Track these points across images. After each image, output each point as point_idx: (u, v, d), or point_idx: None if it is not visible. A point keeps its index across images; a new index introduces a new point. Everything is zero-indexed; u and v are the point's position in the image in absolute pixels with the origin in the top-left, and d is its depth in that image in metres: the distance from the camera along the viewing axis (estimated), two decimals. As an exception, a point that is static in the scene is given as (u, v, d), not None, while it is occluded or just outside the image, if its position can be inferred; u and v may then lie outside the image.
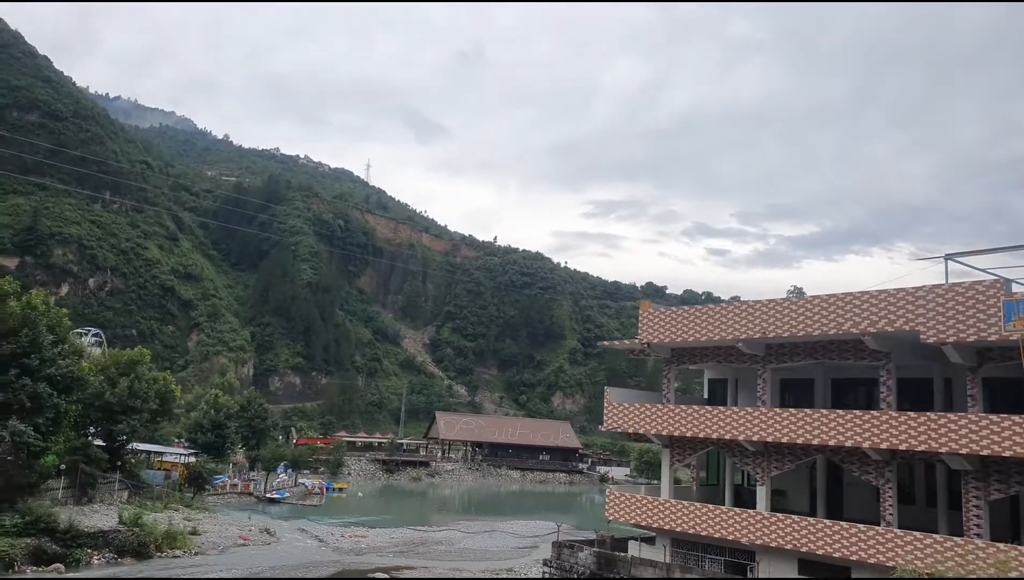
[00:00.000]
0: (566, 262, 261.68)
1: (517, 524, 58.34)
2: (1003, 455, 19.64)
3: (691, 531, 26.48)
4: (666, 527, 27.09)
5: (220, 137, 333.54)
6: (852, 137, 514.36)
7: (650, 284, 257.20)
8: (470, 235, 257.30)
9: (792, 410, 24.18)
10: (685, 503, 26.98)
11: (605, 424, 28.64)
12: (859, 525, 22.61)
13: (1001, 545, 19.86)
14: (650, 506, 27.66)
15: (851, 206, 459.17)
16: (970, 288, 20.47)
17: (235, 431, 68.37)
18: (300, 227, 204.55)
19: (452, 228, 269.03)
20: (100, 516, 39.90)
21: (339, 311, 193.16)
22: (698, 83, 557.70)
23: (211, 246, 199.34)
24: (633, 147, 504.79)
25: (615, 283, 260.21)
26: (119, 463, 49.02)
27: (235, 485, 63.32)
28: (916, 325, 21.30)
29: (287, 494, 64.73)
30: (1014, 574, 18.25)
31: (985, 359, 21.16)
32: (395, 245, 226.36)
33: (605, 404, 28.74)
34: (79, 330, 65.05)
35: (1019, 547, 19.55)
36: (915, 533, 21.33)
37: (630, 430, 28.28)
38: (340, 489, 75.64)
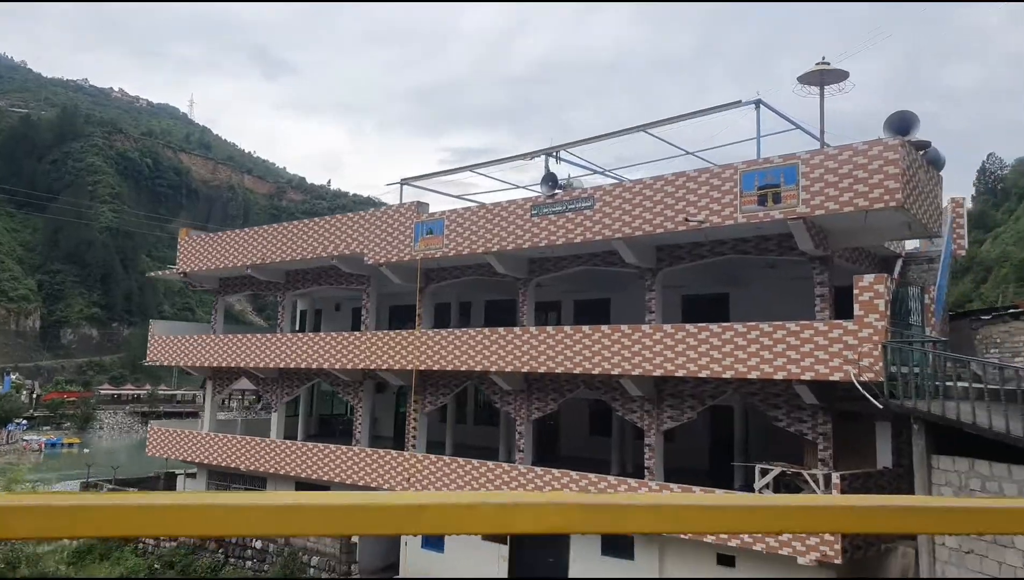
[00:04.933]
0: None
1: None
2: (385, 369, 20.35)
3: (221, 463, 26.15)
4: (201, 460, 26.63)
5: (18, 63, 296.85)
6: (696, 91, 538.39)
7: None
8: (298, 177, 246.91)
9: (279, 336, 24.07)
10: (218, 436, 26.55)
11: (148, 358, 27.55)
12: (333, 445, 23.01)
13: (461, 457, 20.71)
14: (188, 440, 27.05)
15: (692, 157, 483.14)
16: (395, 212, 20.77)
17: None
18: (99, 166, 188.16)
19: (292, 170, 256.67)
20: None
21: (146, 257, 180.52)
22: (554, 32, 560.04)
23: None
24: (491, 93, 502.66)
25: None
26: None
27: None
28: (362, 248, 21.48)
29: (-20, 453, 60.04)
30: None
31: (430, 280, 21.71)
32: (212, 187, 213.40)
33: (150, 338, 27.60)
34: None
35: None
36: (380, 450, 21.91)
37: (172, 364, 27.41)
38: (70, 444, 71.15)
